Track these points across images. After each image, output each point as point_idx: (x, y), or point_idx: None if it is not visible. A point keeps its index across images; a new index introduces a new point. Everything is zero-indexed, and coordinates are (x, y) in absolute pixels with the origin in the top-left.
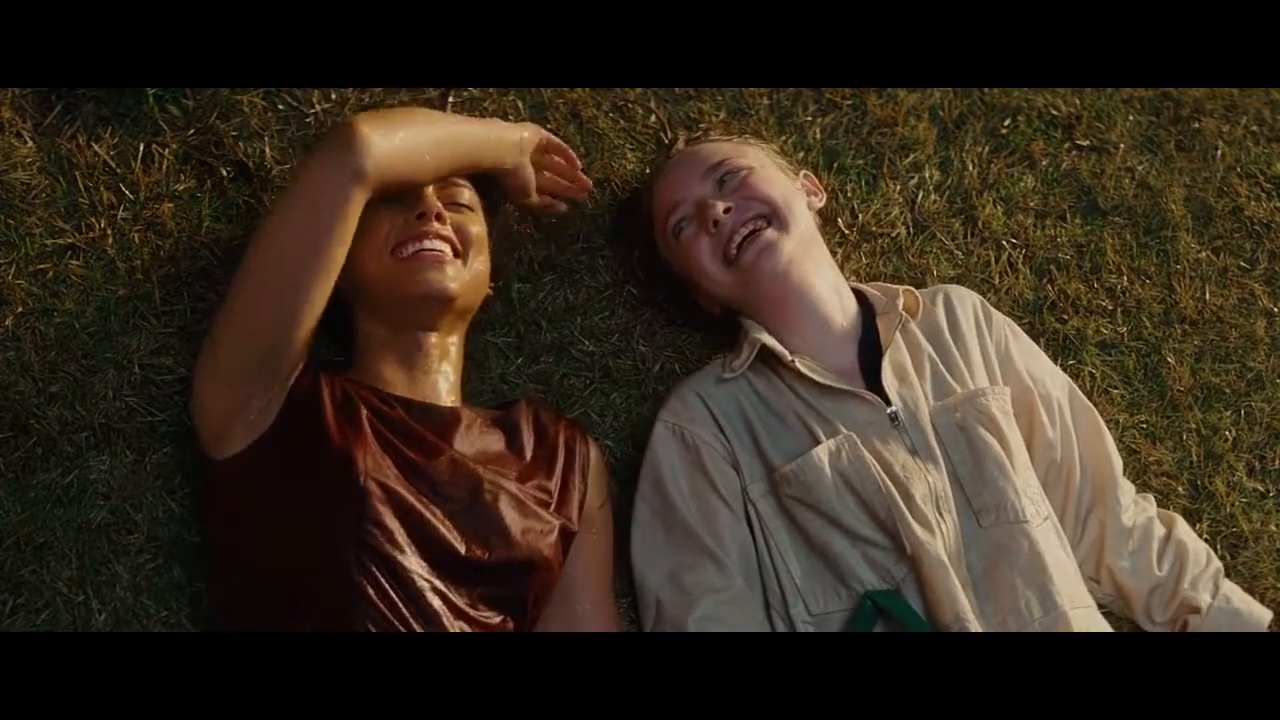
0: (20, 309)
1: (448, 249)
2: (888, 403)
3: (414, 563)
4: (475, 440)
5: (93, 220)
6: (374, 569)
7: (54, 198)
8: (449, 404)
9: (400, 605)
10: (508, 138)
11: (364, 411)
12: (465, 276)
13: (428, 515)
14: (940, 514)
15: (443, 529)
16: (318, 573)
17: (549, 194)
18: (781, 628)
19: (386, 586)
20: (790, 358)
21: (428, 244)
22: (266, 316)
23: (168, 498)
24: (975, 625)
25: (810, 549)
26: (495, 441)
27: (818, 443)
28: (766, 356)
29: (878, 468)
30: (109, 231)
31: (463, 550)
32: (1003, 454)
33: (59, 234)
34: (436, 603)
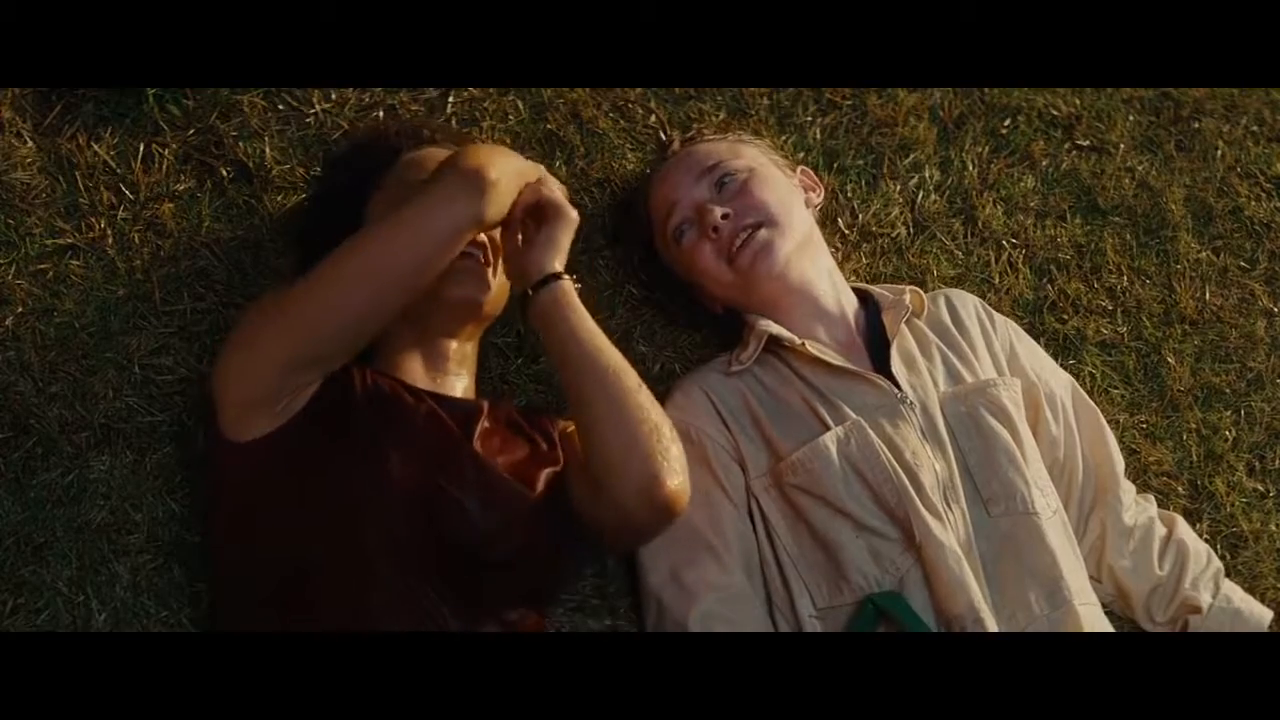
0: (20, 309)
1: (480, 255)
2: (897, 388)
3: (439, 555)
4: (493, 433)
5: (93, 220)
6: (399, 560)
7: (54, 198)
8: (469, 398)
9: (423, 597)
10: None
11: (394, 403)
12: (495, 285)
13: (453, 509)
14: (949, 503)
15: (467, 523)
16: (338, 563)
17: None
18: (784, 625)
19: (411, 578)
20: (800, 341)
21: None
22: (339, 325)
23: (168, 498)
24: (988, 615)
25: (814, 542)
26: (510, 435)
27: (826, 429)
28: (774, 346)
29: (887, 454)
30: (109, 231)
31: (485, 543)
32: (1013, 444)
33: (59, 234)
34: (458, 594)
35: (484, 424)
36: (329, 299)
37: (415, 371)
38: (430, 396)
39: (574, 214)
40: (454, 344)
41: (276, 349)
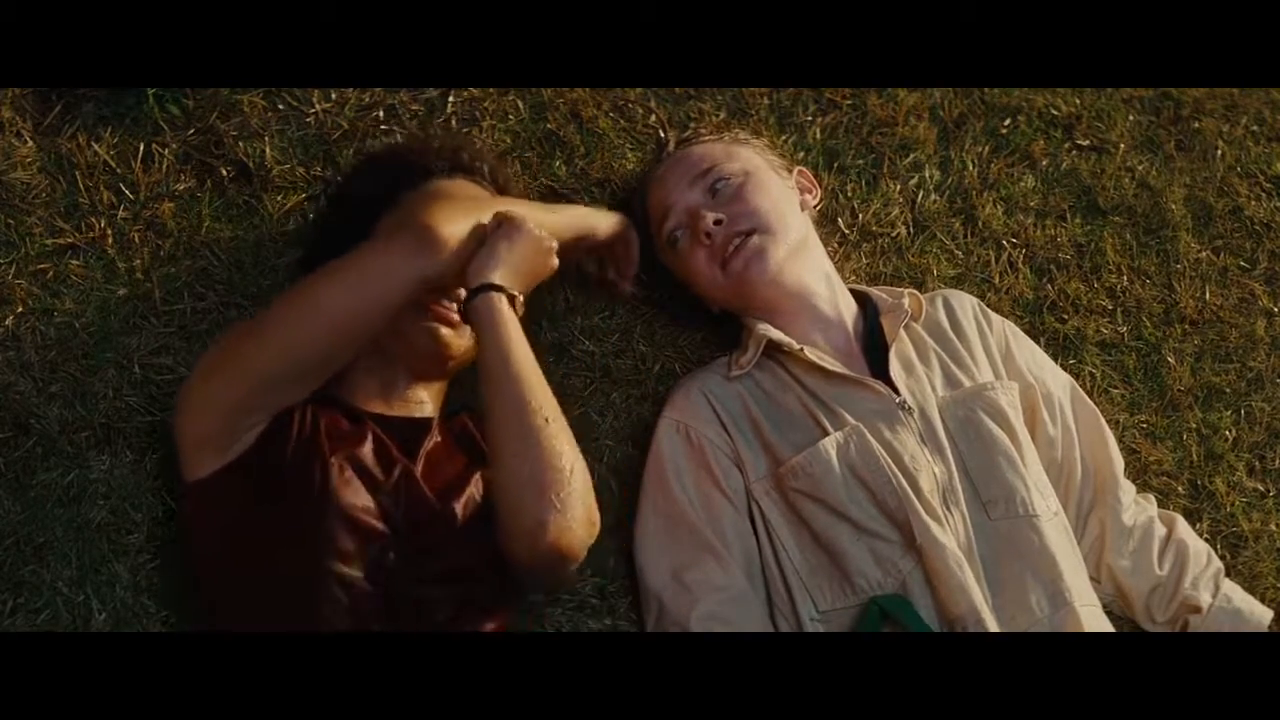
0: (20, 309)
1: (455, 308)
2: (895, 393)
3: (381, 582)
4: (441, 448)
5: (93, 220)
6: (341, 594)
7: (54, 198)
8: (425, 415)
9: (370, 626)
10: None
11: (331, 436)
12: (466, 342)
13: (392, 535)
14: (949, 506)
15: (405, 547)
16: (286, 598)
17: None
18: (785, 627)
19: (354, 610)
20: (799, 347)
21: (437, 299)
22: (283, 369)
23: (168, 497)
24: (989, 617)
25: (816, 545)
26: (454, 447)
27: (825, 434)
28: (773, 351)
29: (886, 458)
30: (109, 231)
31: (427, 563)
32: (1011, 447)
33: (59, 234)
34: (413, 612)
35: (434, 439)
36: (272, 343)
37: (373, 397)
38: (374, 420)
39: (526, 227)
40: (417, 382)
41: (225, 392)
